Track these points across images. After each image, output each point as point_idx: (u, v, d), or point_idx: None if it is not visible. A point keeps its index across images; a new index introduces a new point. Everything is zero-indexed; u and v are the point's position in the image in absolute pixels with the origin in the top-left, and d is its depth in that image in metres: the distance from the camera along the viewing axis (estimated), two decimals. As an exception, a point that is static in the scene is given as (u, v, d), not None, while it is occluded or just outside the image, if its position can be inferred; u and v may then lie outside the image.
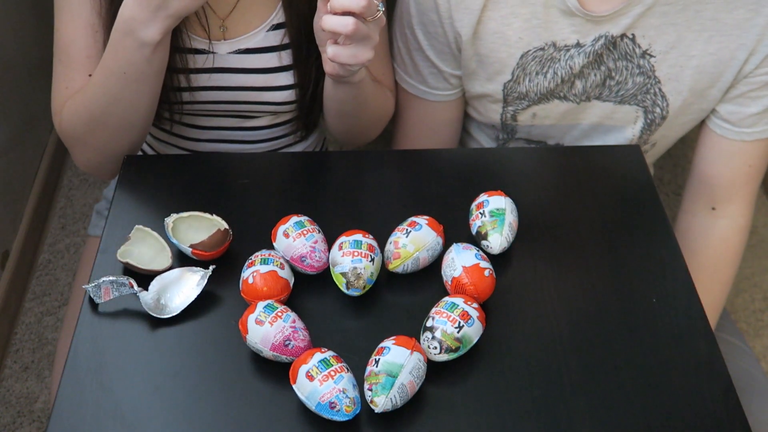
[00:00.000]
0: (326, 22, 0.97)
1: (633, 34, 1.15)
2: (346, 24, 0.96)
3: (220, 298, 0.99)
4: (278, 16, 1.20)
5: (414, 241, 0.99)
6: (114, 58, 1.07)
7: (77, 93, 1.16)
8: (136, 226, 1.03)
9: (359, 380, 0.88)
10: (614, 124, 1.27)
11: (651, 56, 1.17)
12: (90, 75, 1.15)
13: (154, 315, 0.96)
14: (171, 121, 1.26)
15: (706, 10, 1.13)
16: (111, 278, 0.97)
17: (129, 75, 1.07)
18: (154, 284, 0.98)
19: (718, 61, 1.16)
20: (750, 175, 1.26)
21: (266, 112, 1.27)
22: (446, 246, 1.01)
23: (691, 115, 1.25)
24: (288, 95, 1.23)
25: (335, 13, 0.97)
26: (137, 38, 1.03)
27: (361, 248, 0.97)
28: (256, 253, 0.98)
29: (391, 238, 1.01)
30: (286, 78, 1.22)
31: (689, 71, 1.18)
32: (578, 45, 1.17)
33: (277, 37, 1.21)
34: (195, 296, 0.97)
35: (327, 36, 1.01)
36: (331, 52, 1.00)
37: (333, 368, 0.86)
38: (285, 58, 1.22)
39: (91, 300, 0.98)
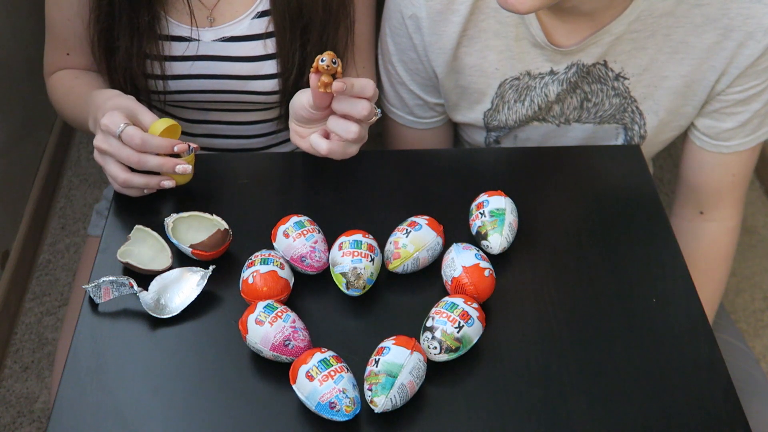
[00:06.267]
0: (331, 123, 1.01)
1: (605, 61, 1.16)
2: (349, 131, 0.99)
3: (220, 298, 0.99)
4: (263, 4, 1.21)
5: (414, 241, 0.99)
6: (82, 106, 1.17)
7: (61, 81, 1.28)
8: (136, 226, 1.03)
9: (359, 380, 0.88)
10: (596, 142, 1.28)
11: (625, 78, 1.18)
12: (68, 54, 1.26)
13: (154, 315, 0.96)
14: (162, 111, 1.29)
15: (675, 34, 1.13)
16: (111, 278, 0.97)
17: (86, 124, 1.15)
18: (154, 284, 0.98)
19: (691, 81, 1.17)
20: (734, 183, 1.27)
21: (253, 102, 1.27)
22: (446, 246, 1.01)
23: (670, 132, 1.26)
24: (273, 84, 1.24)
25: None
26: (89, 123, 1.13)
27: (361, 248, 0.97)
28: (256, 253, 0.98)
29: (391, 238, 1.01)
30: (271, 66, 1.23)
31: (663, 91, 1.19)
32: (552, 72, 1.18)
33: (262, 25, 1.22)
34: (195, 296, 0.97)
35: (307, 113, 1.03)
36: (325, 150, 1.03)
37: (333, 368, 0.86)
38: (270, 46, 1.22)
39: (91, 300, 0.98)
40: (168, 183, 1.06)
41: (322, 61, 0.94)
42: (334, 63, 0.94)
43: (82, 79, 1.26)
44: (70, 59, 1.27)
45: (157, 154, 1.04)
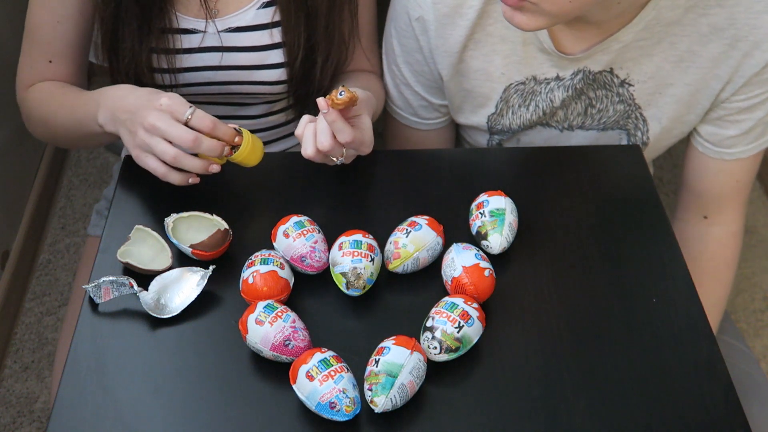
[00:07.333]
0: (308, 128, 1.04)
1: (611, 68, 1.16)
2: (320, 140, 1.02)
3: (220, 298, 0.99)
4: None
5: (414, 241, 0.99)
6: (81, 104, 1.15)
7: (45, 89, 1.23)
8: (136, 226, 1.03)
9: (359, 380, 0.88)
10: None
11: (630, 85, 1.18)
12: (50, 62, 1.23)
13: (154, 315, 0.96)
14: None
15: (681, 42, 1.13)
16: (111, 278, 0.97)
17: (82, 126, 1.15)
18: (154, 284, 0.98)
19: (695, 90, 1.17)
20: (738, 188, 1.27)
21: (259, 93, 1.27)
22: (446, 246, 1.01)
23: (671, 139, 1.26)
24: (280, 74, 1.24)
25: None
26: (97, 116, 1.11)
27: (361, 248, 0.97)
28: (256, 253, 0.98)
29: (391, 238, 1.01)
30: (278, 56, 1.23)
31: (667, 98, 1.19)
32: (558, 78, 1.18)
33: (267, 15, 1.22)
34: (195, 296, 0.97)
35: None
36: (307, 154, 1.05)
37: (333, 368, 0.86)
38: (276, 35, 1.23)
39: (91, 300, 0.98)
40: (215, 168, 1.06)
41: (341, 95, 0.98)
42: (341, 95, 0.98)
43: (69, 88, 1.23)
44: (52, 68, 1.23)
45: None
